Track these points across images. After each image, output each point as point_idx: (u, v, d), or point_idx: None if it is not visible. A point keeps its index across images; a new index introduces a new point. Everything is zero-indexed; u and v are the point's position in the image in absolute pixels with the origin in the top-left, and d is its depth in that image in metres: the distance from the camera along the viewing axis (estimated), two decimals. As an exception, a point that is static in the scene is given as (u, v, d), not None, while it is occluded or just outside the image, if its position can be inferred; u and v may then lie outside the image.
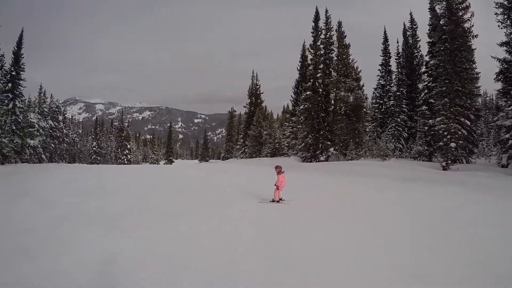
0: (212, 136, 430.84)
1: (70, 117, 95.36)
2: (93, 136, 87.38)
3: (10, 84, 41.57)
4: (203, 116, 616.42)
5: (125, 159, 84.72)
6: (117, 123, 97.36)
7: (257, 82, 72.93)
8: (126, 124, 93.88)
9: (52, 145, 52.30)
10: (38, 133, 47.20)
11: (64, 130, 67.84)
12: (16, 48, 42.08)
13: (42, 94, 52.84)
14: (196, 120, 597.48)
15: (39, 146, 44.53)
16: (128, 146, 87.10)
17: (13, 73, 41.85)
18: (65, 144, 66.66)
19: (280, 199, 13.77)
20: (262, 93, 72.97)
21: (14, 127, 41.30)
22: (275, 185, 13.81)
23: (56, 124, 56.70)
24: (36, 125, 47.20)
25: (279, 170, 14.07)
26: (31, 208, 12.19)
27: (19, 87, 42.08)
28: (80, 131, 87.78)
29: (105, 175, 26.54)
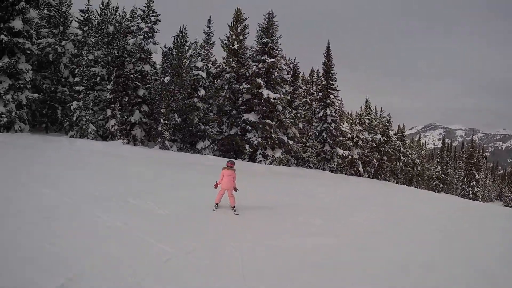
0: None
1: (417, 139, 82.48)
2: (438, 160, 71.10)
3: (320, 94, 34.22)
4: None
5: (471, 192, 63.10)
6: (466, 147, 76.00)
7: None
8: (478, 150, 72.05)
9: (374, 159, 41.45)
10: (354, 144, 37.78)
11: (402, 148, 55.95)
12: (325, 59, 34.55)
13: (367, 107, 43.02)
14: None
15: (352, 156, 34.71)
16: (477, 176, 64.81)
17: (324, 82, 34.38)
18: (399, 163, 54.72)
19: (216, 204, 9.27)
20: None
21: (324, 135, 33.23)
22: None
23: (386, 139, 45.77)
24: (352, 136, 37.93)
25: (228, 165, 9.19)
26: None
27: (330, 96, 34.00)
28: (422, 152, 73.12)
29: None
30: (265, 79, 27.29)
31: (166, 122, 24.27)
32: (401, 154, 55.25)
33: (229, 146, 26.86)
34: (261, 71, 27.18)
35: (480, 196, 64.05)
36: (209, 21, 28.76)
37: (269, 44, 28.19)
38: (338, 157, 32.92)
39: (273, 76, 27.09)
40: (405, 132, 59.28)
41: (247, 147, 25.92)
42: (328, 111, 33.34)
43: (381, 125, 46.90)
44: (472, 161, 64.47)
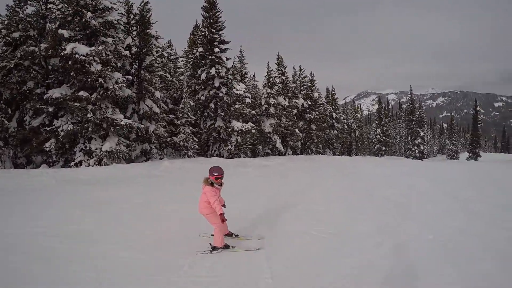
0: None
1: (346, 102, 74.50)
2: (377, 122, 62.96)
3: (201, 49, 23.07)
4: (504, 98, 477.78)
5: (417, 150, 55.32)
6: (407, 105, 68.15)
7: None
8: (418, 105, 64.36)
9: (297, 130, 31.17)
10: (263, 113, 27.31)
11: (334, 113, 46.35)
12: (206, 2, 23.10)
13: (279, 65, 32.04)
14: (496, 104, 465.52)
15: (254, 129, 23.72)
16: (421, 133, 57.13)
17: (205, 32, 23.33)
18: (334, 131, 45.26)
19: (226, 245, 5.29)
20: None
21: (213, 106, 22.35)
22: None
23: (309, 103, 35.79)
24: (259, 102, 27.44)
25: (216, 177, 5.12)
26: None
27: (215, 49, 22.89)
28: (358, 115, 64.42)
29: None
30: (77, 28, 15.72)
31: None
32: (334, 121, 45.89)
33: (23, 147, 15.31)
34: (66, 16, 15.57)
35: (425, 153, 57.53)
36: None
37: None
38: (236, 133, 22.09)
39: (84, 20, 15.43)
40: (335, 95, 49.80)
41: (49, 143, 14.52)
42: (213, 71, 22.31)
43: (302, 88, 36.81)
44: (414, 118, 56.72)
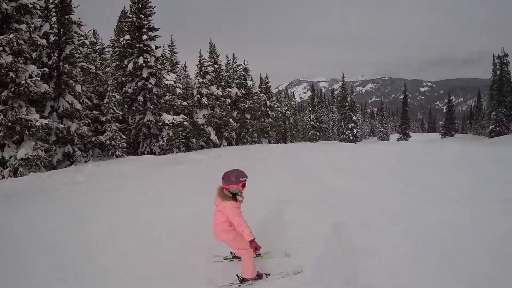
0: (441, 105, 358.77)
1: (284, 92, 76.08)
2: (311, 109, 65.05)
3: (128, 36, 22.00)
4: (429, 83, 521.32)
5: (350, 134, 59.39)
6: (339, 91, 71.74)
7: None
8: (350, 90, 68.22)
9: (231, 120, 31.32)
10: (196, 104, 27.07)
11: (268, 102, 47.03)
12: None
13: (212, 54, 31.66)
14: (422, 89, 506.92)
15: (186, 122, 23.41)
16: (354, 118, 61.14)
17: (132, 18, 22.22)
18: (268, 119, 46.11)
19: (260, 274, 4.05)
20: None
21: (141, 98, 21.65)
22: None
23: (243, 92, 36.02)
24: (191, 93, 27.09)
25: (243, 183, 3.78)
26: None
27: (143, 37, 21.92)
28: (292, 103, 66.28)
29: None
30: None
31: None
32: (268, 109, 46.68)
33: None
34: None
35: (358, 136, 62.81)
36: None
37: None
38: (167, 127, 21.63)
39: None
40: (269, 83, 50.54)
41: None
42: (141, 60, 21.48)
43: (236, 77, 36.92)
44: (347, 104, 60.59)
